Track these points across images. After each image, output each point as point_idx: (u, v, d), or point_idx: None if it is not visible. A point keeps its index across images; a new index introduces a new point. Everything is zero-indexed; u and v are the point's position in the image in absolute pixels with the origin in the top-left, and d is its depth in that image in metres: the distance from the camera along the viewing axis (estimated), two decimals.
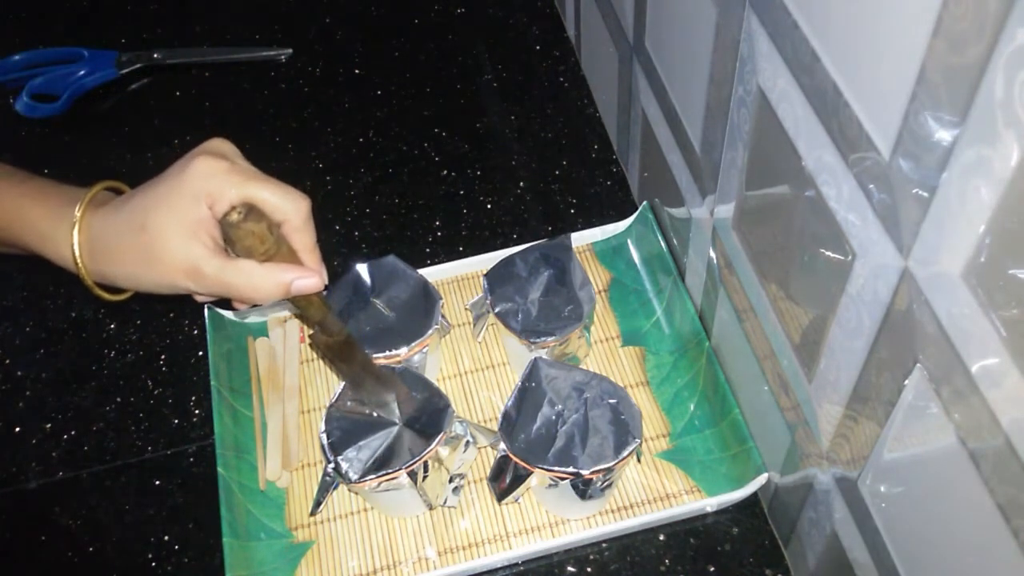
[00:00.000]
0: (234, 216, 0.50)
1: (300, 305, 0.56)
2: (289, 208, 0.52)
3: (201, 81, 1.02)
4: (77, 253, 0.52)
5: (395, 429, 0.64)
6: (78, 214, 0.52)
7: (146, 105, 1.01)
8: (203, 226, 0.50)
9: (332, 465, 0.63)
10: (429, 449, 0.62)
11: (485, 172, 0.92)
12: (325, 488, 0.65)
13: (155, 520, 0.71)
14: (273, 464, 0.72)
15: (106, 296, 0.55)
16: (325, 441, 0.64)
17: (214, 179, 0.50)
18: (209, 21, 1.08)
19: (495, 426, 0.65)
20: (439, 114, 0.97)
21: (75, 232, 0.52)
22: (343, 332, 0.60)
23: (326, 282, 0.55)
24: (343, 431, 0.64)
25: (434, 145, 0.94)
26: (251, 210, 0.51)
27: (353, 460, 0.63)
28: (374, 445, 0.63)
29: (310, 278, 0.53)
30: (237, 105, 1.00)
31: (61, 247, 0.53)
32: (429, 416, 0.64)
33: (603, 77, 0.91)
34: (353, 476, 0.62)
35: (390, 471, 0.62)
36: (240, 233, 0.50)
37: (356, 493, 0.70)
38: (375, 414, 0.65)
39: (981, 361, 0.37)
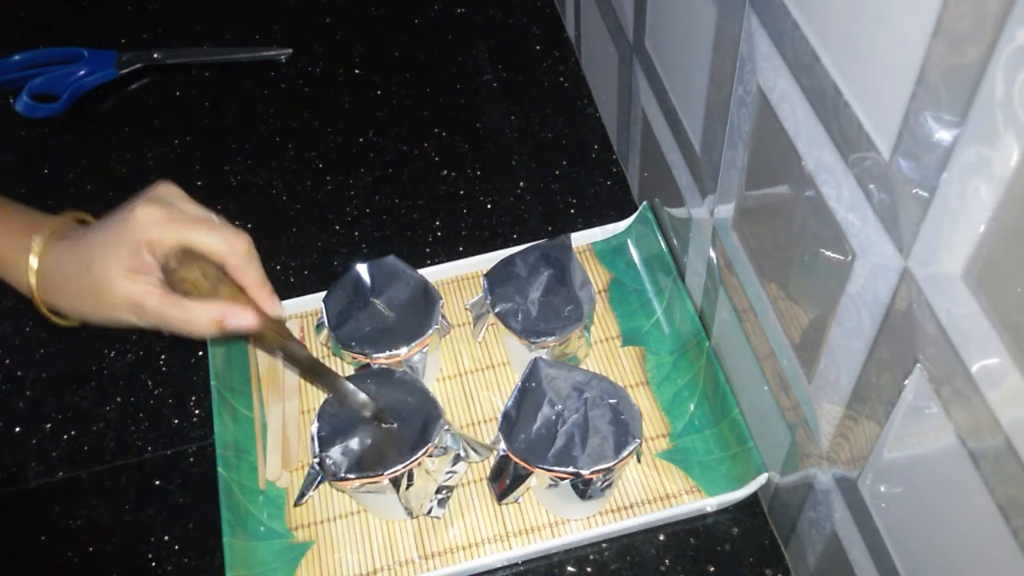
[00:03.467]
0: (171, 263, 0.53)
1: (255, 337, 0.58)
2: (224, 249, 0.54)
3: (201, 81, 1.02)
4: (33, 284, 0.55)
5: (385, 432, 0.64)
6: (37, 248, 0.55)
7: (146, 105, 1.01)
8: (145, 269, 0.53)
9: (318, 460, 0.63)
10: (413, 459, 0.62)
11: (485, 172, 0.92)
12: (310, 481, 0.65)
13: (155, 520, 0.71)
14: (273, 464, 0.72)
15: (60, 322, 0.58)
16: (315, 435, 0.64)
17: (153, 228, 0.53)
18: (209, 21, 1.08)
19: (495, 426, 0.65)
20: (439, 114, 0.97)
21: (32, 263, 0.55)
22: (308, 359, 0.61)
23: (279, 315, 0.58)
24: (334, 427, 0.64)
25: (434, 145, 0.94)
26: (186, 256, 0.53)
27: (338, 458, 0.63)
28: (361, 445, 0.63)
29: (243, 317, 0.55)
30: (237, 105, 1.00)
31: (19, 275, 0.56)
32: (420, 425, 0.64)
33: (603, 77, 0.91)
34: (336, 473, 0.62)
35: (371, 474, 0.62)
36: (174, 279, 0.53)
37: (340, 491, 0.70)
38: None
39: (981, 361, 0.37)
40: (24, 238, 0.56)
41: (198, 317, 0.54)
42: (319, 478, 0.64)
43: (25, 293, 0.57)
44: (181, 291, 0.54)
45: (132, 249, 0.52)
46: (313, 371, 0.63)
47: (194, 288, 0.54)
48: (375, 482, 0.62)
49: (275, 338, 0.58)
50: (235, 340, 0.78)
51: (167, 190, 0.56)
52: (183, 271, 0.53)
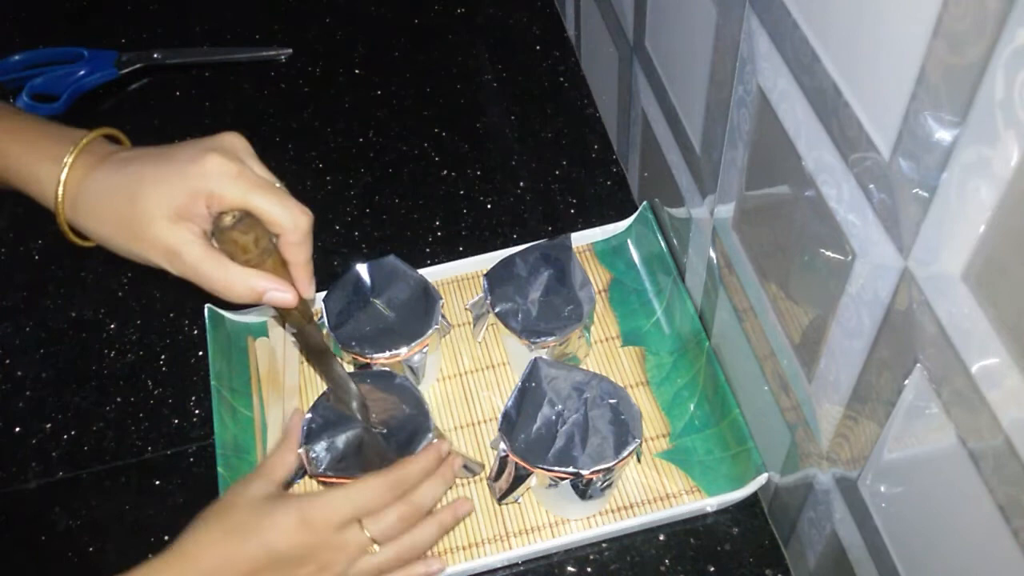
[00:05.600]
0: (226, 220, 0.51)
1: (280, 312, 0.57)
2: (287, 223, 0.52)
3: (201, 81, 1.02)
4: (60, 197, 0.52)
5: (373, 435, 0.64)
6: (69, 160, 0.52)
7: (146, 105, 1.01)
8: (194, 219, 0.51)
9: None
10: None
11: (485, 172, 0.92)
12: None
13: (155, 520, 0.71)
14: None
15: (77, 241, 0.55)
16: (305, 426, 0.64)
17: (219, 181, 0.50)
18: (209, 21, 1.08)
19: (495, 426, 0.65)
20: (439, 114, 0.97)
21: (63, 176, 0.52)
22: (320, 344, 0.61)
23: (312, 298, 0.57)
24: (325, 420, 0.64)
25: (434, 145, 0.94)
26: (243, 218, 0.51)
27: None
28: (347, 444, 0.63)
29: (284, 293, 0.54)
30: (237, 105, 1.00)
31: (44, 187, 0.53)
32: (407, 434, 0.64)
33: (603, 77, 0.91)
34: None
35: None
36: (224, 238, 0.51)
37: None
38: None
39: (981, 361, 0.37)
40: (51, 148, 0.53)
41: (238, 282, 0.52)
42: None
43: (46, 206, 0.54)
44: (225, 251, 0.52)
45: (189, 195, 0.50)
46: (320, 357, 0.63)
47: (240, 252, 0.51)
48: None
49: (298, 319, 0.58)
50: (240, 334, 0.78)
51: (237, 143, 0.54)
52: (236, 233, 0.51)
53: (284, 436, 0.64)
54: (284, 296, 0.54)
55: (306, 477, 0.68)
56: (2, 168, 0.55)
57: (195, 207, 0.50)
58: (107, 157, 0.53)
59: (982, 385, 0.37)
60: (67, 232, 0.54)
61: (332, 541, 0.57)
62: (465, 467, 0.67)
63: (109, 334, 0.82)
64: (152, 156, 0.53)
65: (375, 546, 0.59)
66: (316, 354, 0.63)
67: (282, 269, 0.54)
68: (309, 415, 0.65)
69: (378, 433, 0.64)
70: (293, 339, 0.61)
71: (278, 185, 0.54)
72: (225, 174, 0.50)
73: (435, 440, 0.64)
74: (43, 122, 0.57)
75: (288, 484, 0.65)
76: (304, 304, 0.57)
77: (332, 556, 0.57)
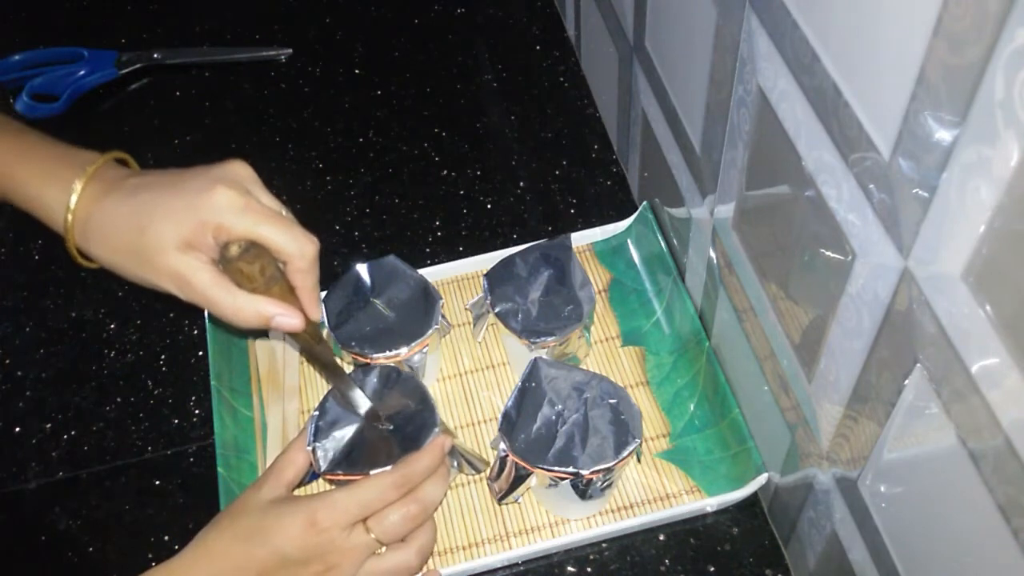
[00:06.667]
0: (232, 251, 0.52)
1: (289, 334, 0.58)
2: (294, 251, 0.54)
3: (201, 81, 1.02)
4: (70, 223, 0.54)
5: (379, 432, 0.64)
6: (78, 187, 0.53)
7: (146, 105, 1.01)
8: (202, 248, 0.52)
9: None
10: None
11: (485, 172, 0.92)
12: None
13: (155, 520, 0.71)
14: None
15: (85, 263, 0.56)
16: (312, 424, 0.64)
17: (227, 214, 0.51)
18: (209, 21, 1.08)
19: (495, 426, 0.65)
20: (439, 114, 0.97)
21: (72, 203, 0.53)
22: (331, 362, 0.62)
23: (318, 321, 0.58)
24: (332, 418, 0.64)
25: (434, 145, 0.94)
26: (249, 248, 0.52)
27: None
28: (353, 442, 0.63)
29: (291, 318, 0.55)
30: (237, 105, 1.00)
31: (52, 212, 0.54)
32: (413, 430, 0.64)
33: (603, 77, 0.91)
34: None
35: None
36: (230, 268, 0.52)
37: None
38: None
39: (981, 361, 0.37)
40: (60, 172, 0.54)
41: (246, 308, 0.53)
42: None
43: (55, 229, 0.55)
44: (232, 279, 0.53)
45: (198, 227, 0.51)
46: (332, 375, 0.64)
47: (247, 280, 0.53)
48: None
49: (307, 340, 0.59)
50: (240, 334, 0.78)
51: (244, 173, 0.55)
52: (242, 263, 0.52)
53: (296, 437, 0.65)
54: (291, 321, 0.55)
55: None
56: (9, 190, 0.56)
57: (203, 238, 0.52)
58: (116, 184, 0.54)
59: (982, 385, 0.37)
60: (75, 256, 0.56)
61: (339, 542, 0.57)
62: (468, 464, 0.67)
63: (109, 334, 0.82)
64: (161, 186, 0.54)
65: (383, 548, 0.59)
66: (328, 372, 0.63)
67: (289, 294, 0.56)
68: (316, 413, 0.65)
69: (385, 429, 0.64)
70: (304, 356, 0.62)
71: (284, 213, 0.55)
72: (232, 207, 0.52)
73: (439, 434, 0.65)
74: (50, 143, 0.57)
75: (298, 485, 0.65)
76: (312, 326, 0.58)
77: (339, 558, 0.57)
